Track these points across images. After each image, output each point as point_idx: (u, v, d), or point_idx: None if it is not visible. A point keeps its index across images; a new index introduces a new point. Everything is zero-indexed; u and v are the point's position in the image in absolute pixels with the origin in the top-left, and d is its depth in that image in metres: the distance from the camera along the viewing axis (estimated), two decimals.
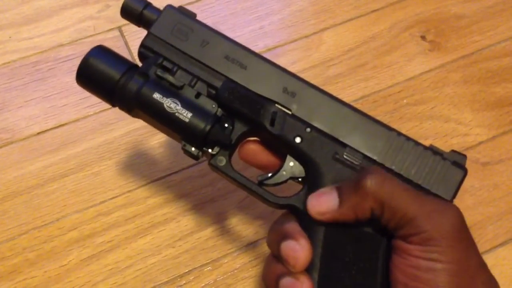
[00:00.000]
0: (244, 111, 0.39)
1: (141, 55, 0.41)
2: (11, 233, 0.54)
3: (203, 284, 0.52)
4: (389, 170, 0.37)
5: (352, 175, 0.37)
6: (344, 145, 0.38)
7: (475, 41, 0.68)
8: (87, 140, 0.60)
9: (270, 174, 0.40)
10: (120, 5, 0.42)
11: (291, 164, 0.40)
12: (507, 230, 0.55)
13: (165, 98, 0.38)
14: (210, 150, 0.40)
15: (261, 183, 0.40)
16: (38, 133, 0.60)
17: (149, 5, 0.42)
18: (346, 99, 0.43)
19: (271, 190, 0.40)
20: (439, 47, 0.67)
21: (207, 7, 0.68)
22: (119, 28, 0.67)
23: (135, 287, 0.52)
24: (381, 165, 0.38)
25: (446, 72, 0.65)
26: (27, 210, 0.56)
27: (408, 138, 0.38)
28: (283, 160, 0.40)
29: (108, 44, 0.43)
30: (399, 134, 0.38)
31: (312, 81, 0.41)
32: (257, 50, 0.42)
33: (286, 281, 0.35)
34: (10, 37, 0.67)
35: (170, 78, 0.39)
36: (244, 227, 0.55)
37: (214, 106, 0.39)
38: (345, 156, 0.38)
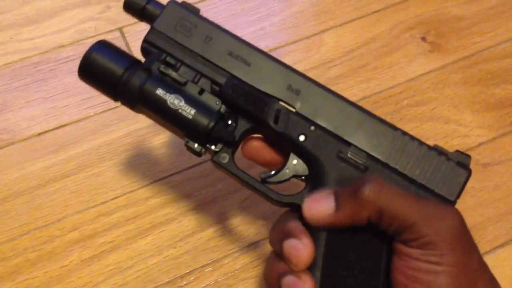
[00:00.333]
0: (248, 108, 0.39)
1: (144, 50, 0.41)
2: (12, 233, 0.54)
3: (204, 285, 0.52)
4: (393, 170, 0.37)
5: (356, 174, 0.37)
6: (349, 144, 0.38)
7: (475, 42, 0.68)
8: (88, 140, 0.60)
9: (273, 172, 0.40)
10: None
11: (295, 162, 0.39)
12: (507, 231, 0.55)
13: (168, 94, 0.38)
14: (213, 147, 0.39)
15: (264, 181, 0.40)
16: (39, 134, 0.60)
17: None
18: None
19: (274, 188, 0.40)
20: (439, 48, 0.67)
21: (208, 8, 0.68)
22: (120, 29, 0.67)
23: (136, 287, 0.52)
24: (385, 165, 0.37)
25: (447, 73, 0.65)
26: (28, 210, 0.56)
27: (413, 138, 0.38)
28: (286, 158, 0.40)
29: None
30: (404, 133, 0.38)
31: None
32: None
33: (288, 279, 0.35)
34: (11, 38, 0.67)
35: (173, 74, 0.39)
36: (245, 227, 0.55)
37: (217, 102, 0.39)
38: (349, 155, 0.37)
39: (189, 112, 0.38)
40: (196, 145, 0.39)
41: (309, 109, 0.39)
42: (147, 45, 0.41)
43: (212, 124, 0.38)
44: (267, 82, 0.39)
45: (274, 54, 0.41)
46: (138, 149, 0.60)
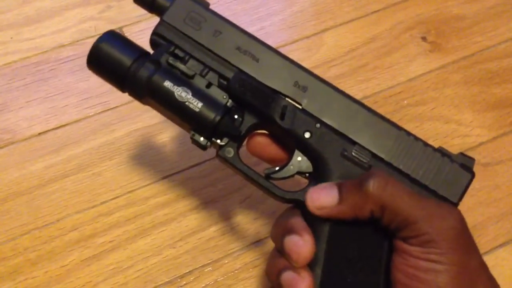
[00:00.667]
0: (254, 103, 0.39)
1: (153, 42, 0.41)
2: (12, 233, 0.54)
3: (203, 285, 0.52)
4: (396, 169, 0.37)
5: (360, 173, 0.37)
6: (353, 142, 0.38)
7: (476, 42, 0.68)
8: (88, 140, 0.60)
9: (277, 168, 0.40)
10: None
11: (299, 158, 0.39)
12: (507, 231, 0.55)
13: (176, 87, 0.38)
14: (218, 141, 0.39)
15: (268, 177, 0.40)
16: (39, 134, 0.60)
17: None
18: None
19: (277, 185, 0.40)
20: (439, 48, 0.67)
21: None
22: (120, 29, 0.67)
23: (136, 287, 0.52)
24: (389, 164, 0.37)
25: (447, 73, 0.65)
26: (28, 210, 0.56)
27: (417, 139, 0.38)
28: (291, 154, 0.40)
29: None
30: (409, 133, 0.38)
31: None
32: None
33: (287, 275, 0.35)
34: (11, 37, 0.67)
35: (181, 66, 0.39)
36: (245, 227, 0.55)
37: (224, 97, 0.39)
38: (353, 153, 0.38)
39: (196, 105, 0.38)
40: (202, 138, 0.39)
41: (316, 107, 0.39)
42: (156, 37, 0.40)
43: (218, 117, 0.38)
44: (274, 78, 0.39)
45: None
46: (138, 149, 0.60)
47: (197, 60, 0.40)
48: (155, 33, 0.40)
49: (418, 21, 0.69)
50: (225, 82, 0.39)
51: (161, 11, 0.41)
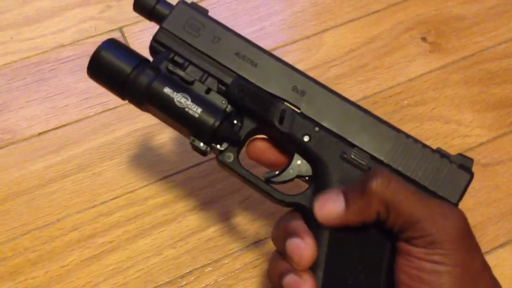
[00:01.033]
0: (253, 108, 0.39)
1: (152, 49, 0.41)
2: (12, 233, 0.54)
3: (203, 285, 0.52)
4: (396, 171, 0.37)
5: (359, 175, 0.37)
6: (352, 145, 0.38)
7: (476, 42, 0.68)
8: (88, 140, 0.60)
9: (277, 172, 0.40)
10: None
11: (299, 162, 0.40)
12: (507, 231, 0.55)
13: (175, 93, 0.39)
14: (218, 146, 0.40)
15: (268, 180, 0.40)
16: (40, 134, 0.60)
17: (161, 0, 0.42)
18: None
19: (277, 188, 0.40)
20: (439, 48, 0.67)
21: (208, 8, 0.68)
22: (120, 29, 0.67)
23: (136, 287, 0.52)
24: (388, 166, 0.38)
25: (447, 73, 0.65)
26: (28, 210, 0.56)
27: (416, 140, 0.38)
28: (290, 158, 0.40)
29: None
30: (407, 136, 0.39)
31: None
32: None
33: (289, 278, 0.35)
34: (11, 37, 0.67)
35: (181, 73, 0.39)
36: (245, 228, 0.55)
37: (224, 102, 0.39)
38: (352, 156, 0.38)
39: (195, 110, 0.38)
40: (201, 144, 0.39)
41: (314, 110, 0.39)
42: (156, 44, 0.41)
43: (218, 123, 0.38)
44: (273, 83, 0.40)
45: (275, 53, 0.41)
46: (138, 149, 0.60)
47: (196, 66, 0.40)
48: (155, 40, 0.41)
49: (418, 21, 0.69)
50: (224, 88, 0.40)
51: (160, 19, 0.41)
